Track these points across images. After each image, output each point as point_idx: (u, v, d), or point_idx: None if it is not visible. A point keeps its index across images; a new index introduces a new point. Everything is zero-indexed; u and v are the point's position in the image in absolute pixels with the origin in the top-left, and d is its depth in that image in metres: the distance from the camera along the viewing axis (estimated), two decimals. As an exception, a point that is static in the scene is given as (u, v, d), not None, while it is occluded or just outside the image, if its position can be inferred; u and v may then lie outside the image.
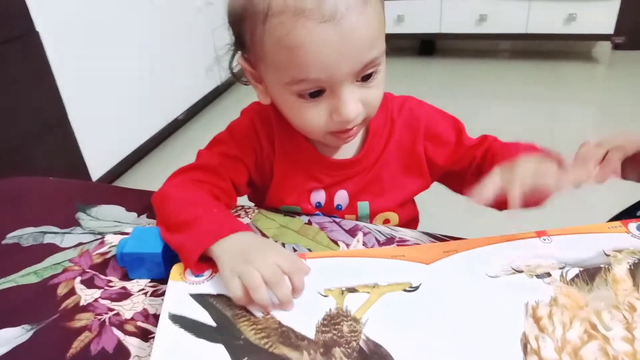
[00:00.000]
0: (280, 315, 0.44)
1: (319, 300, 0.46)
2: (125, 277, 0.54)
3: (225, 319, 0.44)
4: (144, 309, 0.49)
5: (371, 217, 0.65)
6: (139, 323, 0.47)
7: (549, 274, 0.48)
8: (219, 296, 0.46)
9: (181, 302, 0.46)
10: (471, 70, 2.98)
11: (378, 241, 0.56)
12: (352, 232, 0.58)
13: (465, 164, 0.66)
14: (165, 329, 0.43)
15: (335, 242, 0.56)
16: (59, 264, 0.56)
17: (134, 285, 0.52)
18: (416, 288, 0.46)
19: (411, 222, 0.70)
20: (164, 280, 0.51)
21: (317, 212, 0.65)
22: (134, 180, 2.07)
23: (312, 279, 0.47)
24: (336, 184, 0.64)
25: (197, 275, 0.49)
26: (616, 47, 3.05)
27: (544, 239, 0.52)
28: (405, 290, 0.46)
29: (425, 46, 3.21)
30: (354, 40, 0.48)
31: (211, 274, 0.49)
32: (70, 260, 0.57)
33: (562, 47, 3.08)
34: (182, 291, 0.47)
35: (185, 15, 2.35)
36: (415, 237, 0.56)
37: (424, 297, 0.45)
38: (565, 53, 3.07)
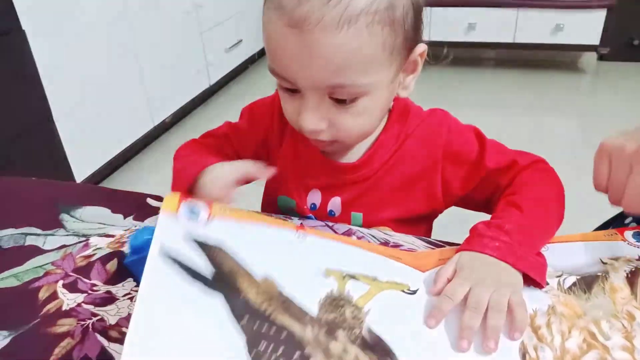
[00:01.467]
0: (280, 281, 0.43)
1: (320, 278, 0.45)
2: (110, 280, 0.52)
3: (224, 270, 0.42)
4: (130, 315, 0.47)
5: None
6: (124, 329, 0.45)
7: (546, 282, 0.47)
8: (216, 247, 0.44)
9: (175, 239, 0.43)
10: (459, 78, 3.00)
11: (372, 246, 0.55)
12: (345, 236, 0.56)
13: (488, 191, 0.60)
14: (155, 263, 0.40)
15: (328, 247, 0.55)
16: (40, 267, 0.54)
17: (119, 289, 0.51)
18: (414, 292, 0.45)
19: None
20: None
21: (310, 214, 0.63)
22: (119, 183, 2.04)
23: (313, 255, 0.47)
24: (332, 187, 0.63)
25: (192, 212, 0.46)
26: (602, 57, 3.09)
27: None
28: (404, 292, 0.45)
29: (414, 53, 3.23)
30: (315, 57, 0.46)
31: (208, 217, 0.47)
32: (52, 263, 0.55)
33: (549, 57, 3.12)
34: (176, 228, 0.44)
35: (174, 18, 2.33)
36: (410, 242, 0.55)
37: (421, 302, 0.44)
38: (552, 63, 3.11)
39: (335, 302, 0.43)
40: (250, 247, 0.46)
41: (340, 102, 0.50)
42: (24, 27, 1.52)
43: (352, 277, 0.45)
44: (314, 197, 0.63)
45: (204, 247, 0.44)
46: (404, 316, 0.43)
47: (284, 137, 0.64)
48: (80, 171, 1.81)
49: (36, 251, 0.57)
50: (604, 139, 0.51)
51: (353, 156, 0.62)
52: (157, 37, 2.21)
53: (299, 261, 0.46)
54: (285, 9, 0.46)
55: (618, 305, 0.44)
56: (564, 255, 0.50)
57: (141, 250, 0.49)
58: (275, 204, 0.66)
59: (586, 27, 2.76)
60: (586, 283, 0.47)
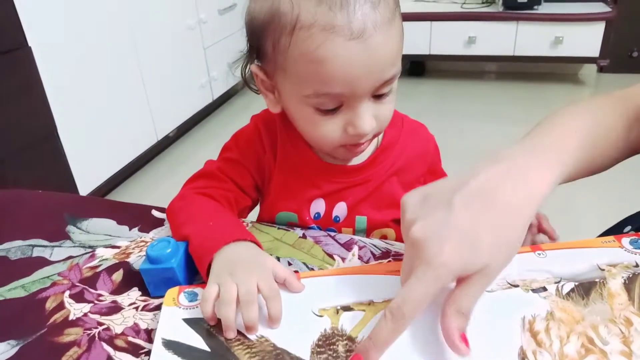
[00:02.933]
0: (274, 338, 0.43)
1: (314, 320, 0.45)
2: (116, 291, 0.52)
3: (219, 344, 0.43)
4: (135, 324, 0.48)
5: (368, 232, 0.65)
6: (130, 338, 0.46)
7: (544, 289, 0.47)
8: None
9: (175, 327, 0.45)
10: (460, 91, 3.02)
11: (374, 255, 0.56)
12: (347, 246, 0.57)
13: None
14: (159, 356, 0.42)
15: (331, 256, 0.56)
16: (47, 277, 0.55)
17: (124, 299, 0.51)
18: None
19: None
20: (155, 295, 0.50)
21: (314, 224, 0.64)
22: (123, 197, 2.05)
23: (306, 299, 0.47)
24: (336, 192, 0.64)
25: (190, 300, 0.48)
26: (601, 69, 3.11)
27: (539, 254, 0.52)
28: None
29: (415, 67, 3.26)
30: (378, 58, 0.49)
31: None
32: (59, 274, 0.56)
33: (549, 69, 3.14)
34: (175, 316, 0.46)
35: (178, 34, 2.36)
36: (411, 251, 0.56)
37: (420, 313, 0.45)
38: (552, 75, 3.13)
39: (328, 340, 0.43)
40: None
41: (380, 96, 0.53)
42: (30, 44, 1.55)
43: (346, 308, 0.46)
44: (318, 207, 0.64)
45: (202, 325, 0.45)
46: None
47: (276, 158, 0.64)
48: (85, 185, 1.83)
49: (43, 262, 0.58)
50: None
51: (355, 159, 0.64)
52: (162, 53, 2.24)
53: (292, 310, 0.46)
54: (341, 26, 0.47)
55: (616, 311, 0.44)
56: (562, 262, 0.50)
57: (155, 262, 0.50)
58: (274, 221, 0.67)
59: (586, 39, 2.78)
60: (584, 289, 0.47)
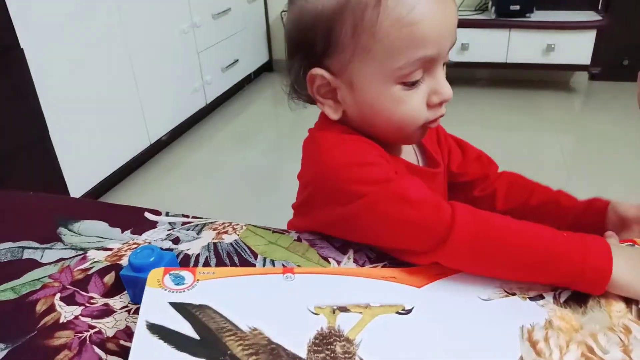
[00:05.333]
0: (268, 331, 0.42)
1: (310, 317, 0.44)
2: (108, 294, 0.52)
3: (209, 332, 0.41)
4: (127, 327, 0.47)
5: None
6: (122, 342, 0.45)
7: (542, 296, 0.47)
8: (202, 307, 0.44)
9: (160, 310, 0.43)
10: (452, 97, 3.02)
11: (369, 258, 0.55)
12: (342, 249, 0.57)
13: None
14: (142, 340, 0.40)
15: (326, 259, 0.55)
16: (38, 279, 0.54)
17: (116, 302, 0.51)
18: (409, 311, 0.45)
19: None
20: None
21: None
22: (115, 201, 2.03)
23: (301, 295, 0.46)
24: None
25: (177, 283, 0.46)
26: (593, 77, 3.14)
27: None
28: (398, 313, 0.45)
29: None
30: (454, 18, 0.55)
31: (193, 282, 0.46)
32: (50, 276, 0.55)
33: (541, 76, 3.16)
34: (161, 299, 0.44)
35: (172, 38, 2.36)
36: (406, 254, 0.56)
37: (418, 321, 0.44)
38: (544, 82, 3.15)
39: (325, 339, 0.42)
40: (236, 302, 0.45)
41: (444, 65, 0.57)
42: (22, 46, 1.54)
43: (343, 309, 0.45)
44: None
45: (190, 311, 0.43)
46: (399, 339, 0.43)
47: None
48: (76, 188, 1.81)
49: (34, 264, 0.57)
50: None
51: (411, 157, 0.66)
52: (155, 56, 2.23)
53: (287, 305, 0.45)
54: None
55: (614, 319, 0.44)
56: None
57: (138, 270, 0.48)
58: None
59: (577, 47, 2.81)
60: (581, 297, 0.47)
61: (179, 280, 0.46)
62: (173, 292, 0.45)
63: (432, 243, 0.48)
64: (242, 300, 0.46)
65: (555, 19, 2.79)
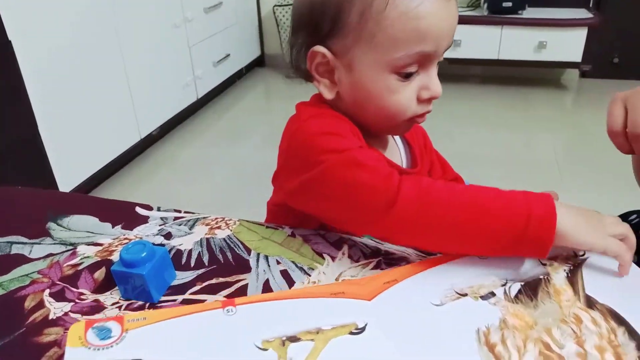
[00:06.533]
0: None
1: (258, 355, 0.40)
2: (98, 289, 0.51)
3: None
4: (118, 323, 0.46)
5: None
6: (113, 338, 0.45)
7: (493, 294, 0.47)
8: None
9: None
10: (444, 94, 3.02)
11: (364, 254, 0.55)
12: (337, 245, 0.56)
13: None
14: None
15: (320, 255, 0.55)
16: (26, 275, 0.53)
17: (107, 298, 0.50)
18: (362, 329, 0.43)
19: None
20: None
21: None
22: (105, 196, 2.01)
23: (246, 330, 0.42)
24: None
25: (103, 337, 0.41)
26: (583, 74, 3.16)
27: (481, 256, 0.51)
28: (351, 333, 0.42)
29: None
30: (455, 18, 0.56)
31: (121, 334, 0.41)
32: (39, 272, 0.54)
33: (533, 73, 3.18)
34: None
35: (163, 32, 2.34)
36: (401, 249, 0.55)
37: (372, 340, 0.42)
38: (535, 79, 3.17)
39: None
40: (174, 349, 0.41)
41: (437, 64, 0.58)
42: (10, 39, 1.51)
43: (293, 339, 0.41)
44: None
45: None
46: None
47: None
48: (65, 183, 1.79)
49: (22, 260, 0.56)
50: (616, 93, 0.55)
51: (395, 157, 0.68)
52: (146, 50, 2.21)
53: (231, 343, 0.41)
54: None
55: (565, 309, 0.44)
56: (506, 261, 0.50)
57: (129, 265, 0.48)
58: None
59: (569, 44, 2.82)
60: (531, 289, 0.47)
61: (104, 333, 0.41)
62: (98, 349, 0.40)
63: (379, 207, 0.49)
64: (180, 346, 0.41)
65: (547, 16, 2.81)
